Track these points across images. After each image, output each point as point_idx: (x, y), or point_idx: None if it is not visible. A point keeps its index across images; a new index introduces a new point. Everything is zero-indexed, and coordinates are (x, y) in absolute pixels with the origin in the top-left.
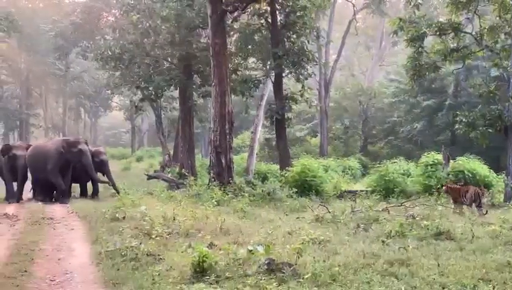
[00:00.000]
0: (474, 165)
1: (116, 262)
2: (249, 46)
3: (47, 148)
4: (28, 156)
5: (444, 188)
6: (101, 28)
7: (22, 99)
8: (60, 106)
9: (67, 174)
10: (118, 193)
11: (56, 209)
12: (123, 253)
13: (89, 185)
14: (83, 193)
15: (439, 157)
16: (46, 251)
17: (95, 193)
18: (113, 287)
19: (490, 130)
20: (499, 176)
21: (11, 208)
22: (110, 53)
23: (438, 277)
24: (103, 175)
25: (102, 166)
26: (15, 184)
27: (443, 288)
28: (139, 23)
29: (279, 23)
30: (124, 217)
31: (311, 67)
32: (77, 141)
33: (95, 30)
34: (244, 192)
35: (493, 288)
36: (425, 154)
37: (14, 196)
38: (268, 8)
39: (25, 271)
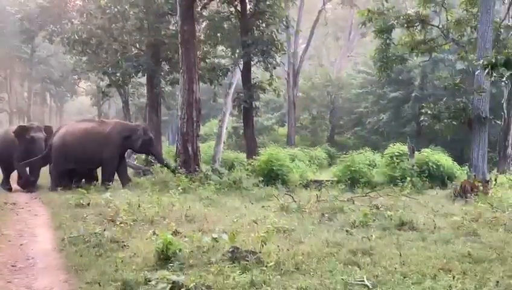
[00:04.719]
0: (438, 156)
1: (80, 248)
2: (218, 34)
3: (105, 132)
4: (70, 138)
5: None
6: (68, 12)
7: None
8: (25, 90)
9: (122, 163)
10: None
11: (19, 195)
12: (86, 239)
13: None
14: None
15: (405, 148)
16: (9, 236)
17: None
18: (76, 274)
19: (455, 123)
20: (463, 168)
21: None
22: (77, 37)
23: (400, 266)
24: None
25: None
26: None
27: (404, 277)
28: (107, 8)
29: (248, 12)
30: (88, 204)
31: (279, 56)
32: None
33: (62, 14)
34: (210, 180)
35: (453, 278)
36: (391, 145)
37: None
38: None
39: None
